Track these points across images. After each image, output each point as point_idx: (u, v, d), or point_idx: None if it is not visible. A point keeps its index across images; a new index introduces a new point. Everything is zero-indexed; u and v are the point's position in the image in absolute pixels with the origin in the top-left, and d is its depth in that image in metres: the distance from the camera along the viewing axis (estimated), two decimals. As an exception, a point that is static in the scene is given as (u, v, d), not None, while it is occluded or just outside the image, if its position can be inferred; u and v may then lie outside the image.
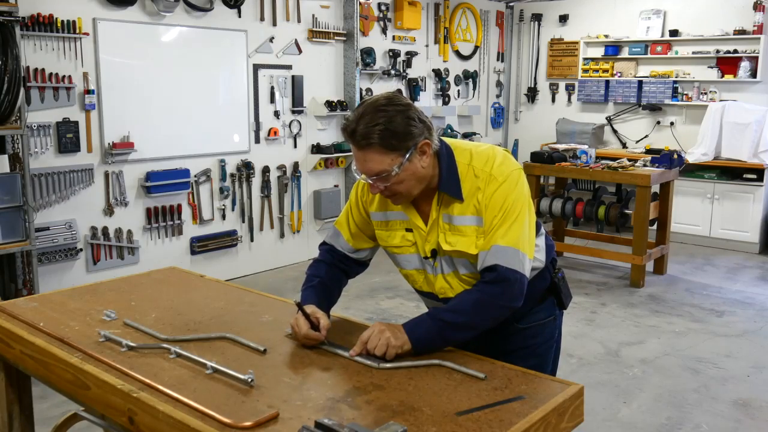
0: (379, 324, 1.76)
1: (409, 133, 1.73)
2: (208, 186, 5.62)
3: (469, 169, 1.83)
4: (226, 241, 5.77)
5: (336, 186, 6.74)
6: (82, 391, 1.69)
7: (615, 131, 8.17)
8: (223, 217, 5.77)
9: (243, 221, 5.94)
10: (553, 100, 8.73)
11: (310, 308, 1.87)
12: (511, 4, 8.81)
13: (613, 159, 6.46)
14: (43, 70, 4.49)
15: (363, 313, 4.94)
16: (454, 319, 1.75)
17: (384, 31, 7.05)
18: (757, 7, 7.02)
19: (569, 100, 8.58)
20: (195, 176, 5.48)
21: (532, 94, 8.87)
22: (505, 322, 1.88)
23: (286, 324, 2.01)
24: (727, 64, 7.26)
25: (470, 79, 8.31)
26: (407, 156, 1.73)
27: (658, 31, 7.70)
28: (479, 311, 1.76)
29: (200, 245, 5.57)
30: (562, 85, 8.63)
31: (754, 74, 7.07)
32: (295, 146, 6.29)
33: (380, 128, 1.70)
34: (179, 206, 5.40)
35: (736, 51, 7.18)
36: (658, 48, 7.67)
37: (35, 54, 4.47)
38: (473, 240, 1.81)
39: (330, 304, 1.98)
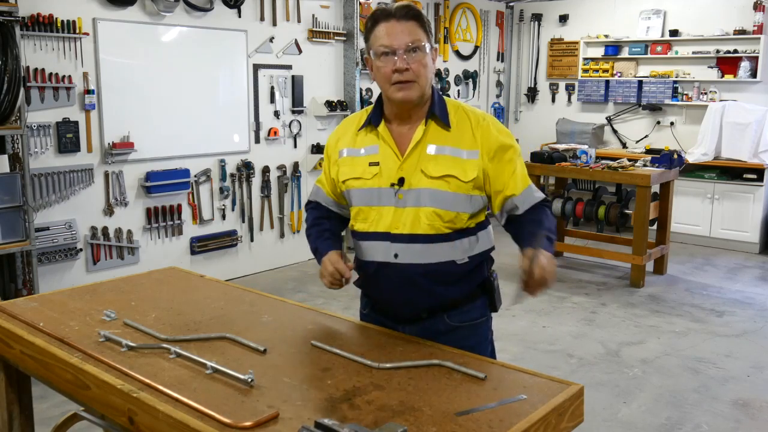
0: (527, 255, 1.75)
1: (432, 30, 1.91)
2: (208, 186, 5.62)
3: (459, 108, 1.95)
4: (226, 241, 5.77)
5: (336, 186, 6.73)
6: (82, 391, 1.69)
7: (615, 131, 8.17)
8: (223, 217, 5.77)
9: (243, 221, 5.94)
10: (553, 100, 8.73)
11: (335, 254, 1.97)
12: (511, 4, 8.81)
13: (613, 159, 6.46)
14: (43, 70, 4.49)
15: (363, 313, 4.93)
16: (554, 236, 1.88)
17: (384, 31, 7.04)
18: (757, 7, 7.02)
19: (569, 100, 8.58)
20: (195, 176, 5.48)
21: (532, 94, 8.87)
22: (435, 314, 1.94)
23: (286, 324, 2.01)
24: (727, 64, 7.26)
25: (470, 79, 8.31)
26: (431, 46, 1.87)
27: (658, 31, 7.70)
28: (555, 224, 1.94)
29: (200, 245, 5.57)
30: (562, 85, 8.63)
31: (754, 74, 7.07)
32: (295, 146, 6.29)
33: (418, 10, 1.87)
34: (179, 206, 5.40)
35: (736, 51, 7.18)
36: (658, 48, 7.67)
37: (35, 54, 4.47)
38: (463, 169, 1.86)
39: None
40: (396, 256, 1.88)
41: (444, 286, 1.91)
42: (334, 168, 2.02)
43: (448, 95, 7.85)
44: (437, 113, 1.90)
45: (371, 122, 1.95)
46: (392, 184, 1.88)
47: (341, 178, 1.98)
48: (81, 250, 4.81)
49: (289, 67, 6.14)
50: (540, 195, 1.95)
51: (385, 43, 1.83)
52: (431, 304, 1.93)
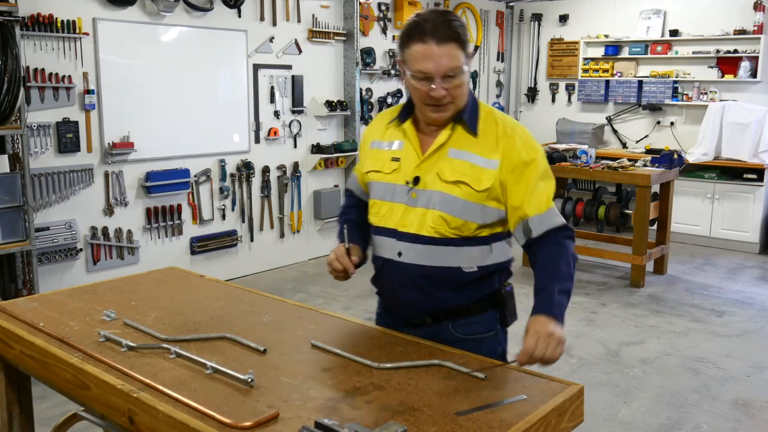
0: (534, 329, 1.69)
1: (468, 40, 1.80)
2: (208, 186, 5.62)
3: (490, 115, 1.89)
4: (226, 241, 5.77)
5: (336, 186, 6.74)
6: (82, 391, 1.69)
7: (615, 131, 8.17)
8: (223, 217, 5.77)
9: (243, 221, 5.94)
10: (553, 100, 8.73)
11: (342, 247, 1.95)
12: (511, 4, 8.81)
13: (613, 159, 6.46)
14: (43, 70, 4.49)
15: (363, 313, 4.94)
16: (570, 284, 1.80)
17: (384, 31, 7.05)
18: (757, 7, 7.02)
19: (569, 100, 8.58)
20: (195, 176, 5.48)
21: (532, 94, 8.87)
22: (440, 321, 1.91)
23: (286, 324, 2.01)
24: (727, 64, 7.26)
25: (470, 79, 8.30)
26: (468, 59, 1.80)
27: (658, 31, 7.70)
28: (574, 265, 1.84)
29: (200, 245, 5.57)
30: (562, 85, 8.63)
31: (754, 74, 7.07)
32: (295, 146, 6.29)
33: (458, 24, 1.76)
34: (179, 206, 5.40)
35: (736, 51, 7.18)
36: (658, 48, 7.67)
37: (35, 54, 4.47)
38: (477, 177, 1.81)
39: (365, 242, 2.03)
40: (400, 254, 1.88)
41: (445, 291, 1.87)
42: (363, 159, 2.04)
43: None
44: (465, 118, 1.85)
45: (399, 118, 1.95)
46: (407, 182, 1.87)
47: (365, 169, 2.00)
48: (81, 250, 4.81)
49: (289, 67, 6.14)
50: (559, 220, 1.85)
51: (421, 68, 1.75)
52: (432, 308, 1.91)
